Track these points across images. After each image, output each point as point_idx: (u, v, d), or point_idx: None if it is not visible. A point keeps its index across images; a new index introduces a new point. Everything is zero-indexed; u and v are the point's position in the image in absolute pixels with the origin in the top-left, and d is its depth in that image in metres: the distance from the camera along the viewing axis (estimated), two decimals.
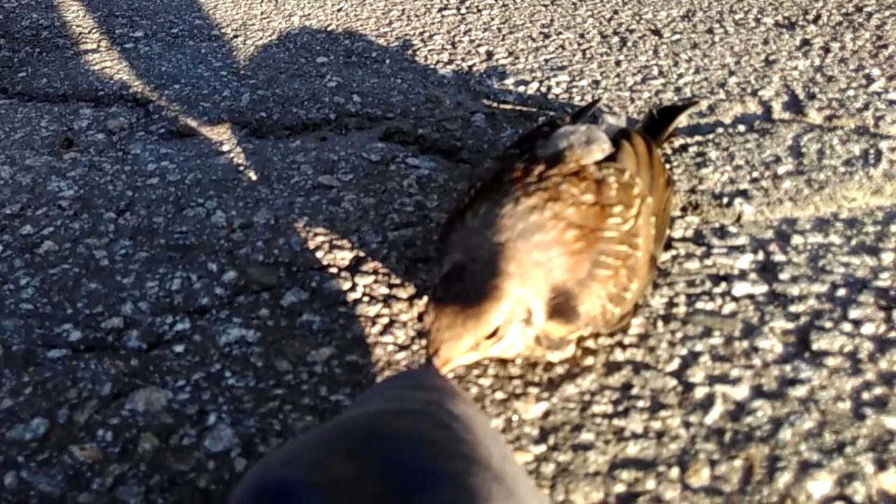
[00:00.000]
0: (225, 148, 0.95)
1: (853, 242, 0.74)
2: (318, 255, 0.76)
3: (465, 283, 0.56)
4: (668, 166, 0.86)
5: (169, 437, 0.58)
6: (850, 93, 0.99)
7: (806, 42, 1.15)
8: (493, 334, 0.55)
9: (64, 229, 0.81)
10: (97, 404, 0.61)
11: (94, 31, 1.33)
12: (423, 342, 0.65)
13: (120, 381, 0.63)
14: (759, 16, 1.25)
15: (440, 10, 1.35)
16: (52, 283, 0.73)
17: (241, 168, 0.91)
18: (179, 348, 0.65)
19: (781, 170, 0.84)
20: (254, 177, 0.89)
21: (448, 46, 1.20)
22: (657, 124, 0.84)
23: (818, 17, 1.23)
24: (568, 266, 0.59)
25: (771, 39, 1.16)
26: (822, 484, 0.52)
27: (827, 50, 1.11)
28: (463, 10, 1.35)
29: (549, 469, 0.55)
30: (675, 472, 0.54)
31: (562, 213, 0.61)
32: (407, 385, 0.51)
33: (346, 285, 0.72)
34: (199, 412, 0.60)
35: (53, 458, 0.56)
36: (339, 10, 1.38)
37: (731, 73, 1.06)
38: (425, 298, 0.70)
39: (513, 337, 0.56)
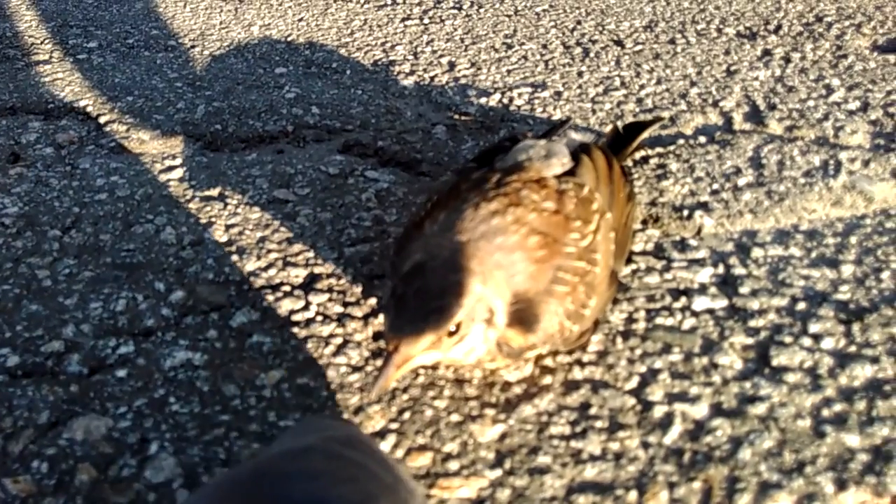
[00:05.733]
0: (178, 162, 0.93)
1: (813, 255, 0.73)
2: (271, 272, 0.74)
3: (425, 279, 0.54)
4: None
5: (108, 468, 0.55)
6: (811, 103, 0.99)
7: (767, 52, 1.15)
8: (455, 332, 0.53)
9: (6, 248, 0.77)
10: (33, 433, 0.58)
11: (46, 41, 1.29)
12: (382, 342, 0.62)
13: (58, 408, 0.60)
14: (721, 26, 1.25)
15: (403, 20, 1.34)
16: None
17: (194, 183, 0.88)
18: (122, 373, 0.63)
19: (742, 181, 0.84)
20: (207, 192, 0.86)
21: (410, 57, 1.19)
22: (622, 139, 0.83)
23: (779, 27, 1.24)
24: (530, 273, 0.58)
25: (732, 50, 1.16)
26: None
27: (788, 60, 1.12)
28: (426, 21, 1.33)
29: (504, 495, 0.53)
30: (633, 495, 0.52)
31: (524, 217, 0.60)
32: (297, 432, 0.51)
33: (299, 304, 0.70)
34: (140, 441, 0.57)
35: None
36: (301, 20, 1.36)
37: (693, 84, 1.06)
38: (381, 317, 0.68)
39: (474, 338, 0.55)
